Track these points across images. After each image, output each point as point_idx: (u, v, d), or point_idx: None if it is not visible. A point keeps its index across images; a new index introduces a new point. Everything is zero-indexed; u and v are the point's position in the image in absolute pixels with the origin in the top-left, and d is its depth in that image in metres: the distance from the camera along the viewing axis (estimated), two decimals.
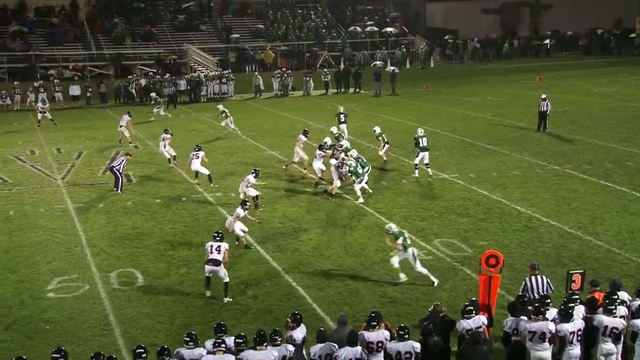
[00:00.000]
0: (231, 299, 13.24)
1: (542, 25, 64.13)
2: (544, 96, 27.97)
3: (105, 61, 48.82)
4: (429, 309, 10.55)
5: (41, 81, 41.63)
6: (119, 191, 20.43)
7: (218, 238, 13.75)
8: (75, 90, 40.55)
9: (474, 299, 10.76)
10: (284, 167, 23.01)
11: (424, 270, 13.65)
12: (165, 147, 23.63)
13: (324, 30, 56.08)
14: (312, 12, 59.16)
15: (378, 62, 48.10)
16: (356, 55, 52.96)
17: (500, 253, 11.16)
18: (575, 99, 35.52)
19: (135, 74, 44.70)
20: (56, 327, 12.29)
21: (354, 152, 20.10)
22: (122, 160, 20.78)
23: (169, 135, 23.86)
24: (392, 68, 44.68)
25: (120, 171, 20.52)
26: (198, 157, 21.15)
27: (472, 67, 53.78)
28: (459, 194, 19.63)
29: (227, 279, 13.36)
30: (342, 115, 26.81)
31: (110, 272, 14.55)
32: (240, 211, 15.83)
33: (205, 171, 21.14)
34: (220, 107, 30.23)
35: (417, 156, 21.47)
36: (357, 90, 43.43)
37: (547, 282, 11.40)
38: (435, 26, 64.01)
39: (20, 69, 46.81)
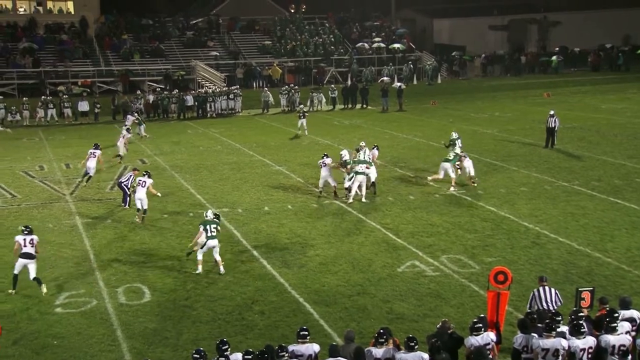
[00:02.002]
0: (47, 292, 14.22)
1: (550, 41, 64.23)
2: (552, 112, 27.97)
3: (113, 77, 49.14)
4: (437, 326, 10.53)
5: (50, 97, 41.91)
6: (126, 206, 20.50)
7: (27, 232, 14.69)
8: (84, 106, 40.70)
9: (482, 315, 10.73)
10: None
11: None
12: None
13: (331, 47, 56.33)
14: (319, 29, 59.46)
15: (385, 78, 48.19)
16: (363, 71, 53.14)
17: (508, 269, 11.13)
18: (583, 115, 35.51)
19: (143, 90, 44.98)
20: (64, 342, 12.30)
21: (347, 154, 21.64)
22: (130, 175, 20.83)
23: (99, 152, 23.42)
24: (399, 84, 44.73)
25: (128, 186, 20.58)
26: (145, 184, 19.45)
27: (480, 83, 53.86)
28: (466, 210, 19.60)
29: (35, 274, 14.33)
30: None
31: (118, 287, 14.58)
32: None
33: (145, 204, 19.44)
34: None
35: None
36: (364, 106, 43.51)
37: (556, 293, 11.40)
38: (442, 42, 64.23)
39: (30, 85, 47.14)
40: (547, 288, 11.44)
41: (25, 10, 58.06)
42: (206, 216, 15.81)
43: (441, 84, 53.96)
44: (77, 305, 13.76)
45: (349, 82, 48.04)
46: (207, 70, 49.93)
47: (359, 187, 20.61)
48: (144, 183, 19.52)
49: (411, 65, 54.77)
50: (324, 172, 20.98)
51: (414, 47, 59.24)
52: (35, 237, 14.75)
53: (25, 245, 14.48)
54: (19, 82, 47.09)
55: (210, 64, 51.31)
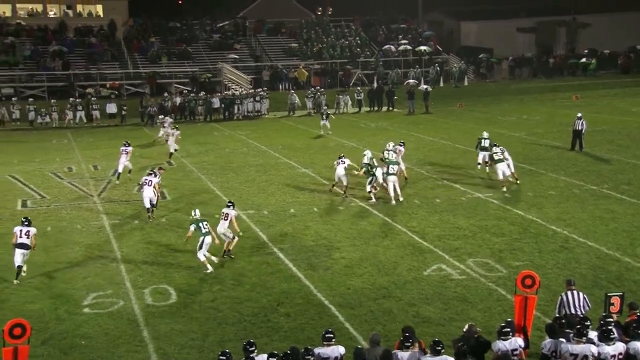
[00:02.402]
0: (18, 282, 15.08)
1: (579, 43, 63.53)
2: (579, 115, 27.67)
3: (141, 79, 49.57)
4: (463, 330, 10.44)
5: (79, 99, 42.41)
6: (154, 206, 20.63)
7: (26, 223, 15.60)
8: (111, 108, 41.21)
9: (509, 319, 10.62)
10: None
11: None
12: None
13: (357, 49, 56.28)
14: (345, 31, 59.45)
15: (411, 81, 48.06)
16: (389, 73, 53.02)
17: (536, 274, 11.01)
18: (612, 118, 35.07)
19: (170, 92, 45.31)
20: (91, 342, 12.41)
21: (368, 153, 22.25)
22: (151, 176, 20.96)
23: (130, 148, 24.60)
24: (425, 86, 44.57)
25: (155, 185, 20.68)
26: (151, 183, 19.95)
27: (507, 85, 53.45)
28: (493, 213, 19.45)
29: (20, 263, 15.21)
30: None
31: (145, 288, 14.68)
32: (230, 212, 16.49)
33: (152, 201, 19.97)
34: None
35: (477, 156, 24.07)
36: (390, 108, 43.40)
37: (584, 298, 11.28)
38: (469, 45, 63.84)
39: (59, 87, 47.72)
40: (575, 292, 11.32)
41: (55, 13, 58.83)
42: (195, 215, 16.05)
43: (468, 86, 53.63)
44: (104, 306, 13.88)
45: (375, 85, 47.97)
46: (233, 73, 50.17)
47: (394, 187, 20.77)
48: (150, 182, 19.96)
49: (438, 68, 54.51)
50: (340, 170, 21.50)
51: (440, 49, 58.96)
52: (32, 229, 15.61)
53: (21, 236, 15.42)
54: (48, 85, 47.69)
55: (237, 66, 51.55)
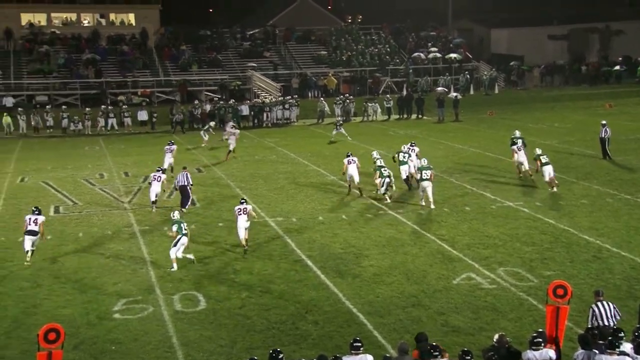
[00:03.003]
0: (29, 263, 16.66)
1: (612, 51, 62.74)
2: (603, 122, 27.40)
3: (172, 87, 50.02)
4: (494, 339, 10.31)
5: (111, 106, 42.92)
6: (184, 210, 21.03)
7: (37, 212, 17.30)
8: (143, 115, 41.65)
9: (541, 330, 10.47)
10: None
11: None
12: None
13: (387, 57, 56.21)
14: (375, 38, 59.41)
15: (440, 88, 47.85)
16: (419, 81, 52.84)
17: (568, 284, 10.85)
18: None
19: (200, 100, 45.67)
20: (121, 347, 12.50)
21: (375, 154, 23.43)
22: (185, 174, 21.45)
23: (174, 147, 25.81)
24: (455, 94, 44.36)
25: (189, 185, 21.32)
26: (160, 179, 21.53)
27: (538, 93, 52.96)
28: (524, 222, 19.24)
29: (29, 247, 16.78)
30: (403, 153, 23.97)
31: (174, 295, 14.76)
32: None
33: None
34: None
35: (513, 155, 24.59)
36: (420, 116, 43.26)
37: (614, 308, 11.12)
38: (500, 52, 63.42)
39: (92, 95, 48.33)
40: (605, 303, 11.13)
41: (89, 22, 59.74)
42: (173, 216, 16.95)
43: (498, 94, 53.25)
44: (134, 312, 13.98)
45: (405, 92, 47.84)
46: (263, 80, 50.38)
47: (425, 193, 20.95)
48: (159, 178, 21.55)
49: (468, 75, 54.23)
50: (351, 169, 22.44)
51: (470, 57, 58.67)
52: (41, 217, 17.29)
53: (30, 224, 16.99)
54: (81, 93, 48.33)
55: (267, 74, 51.76)
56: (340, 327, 13.00)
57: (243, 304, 14.23)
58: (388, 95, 46.02)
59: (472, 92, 53.24)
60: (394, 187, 22.23)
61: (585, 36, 64.14)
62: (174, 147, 27.02)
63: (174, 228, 16.52)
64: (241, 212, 17.62)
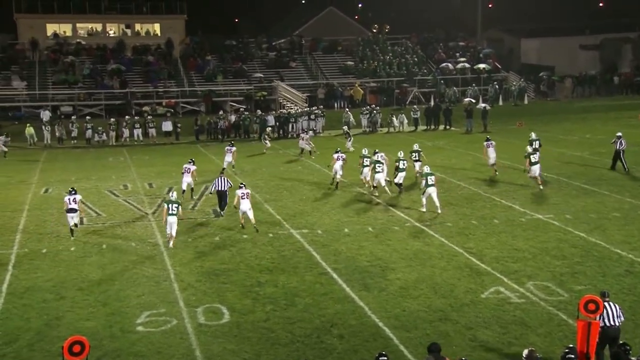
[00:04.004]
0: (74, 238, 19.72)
1: None
2: (619, 134, 27.23)
3: (197, 97, 50.40)
4: (523, 355, 10.22)
5: (136, 117, 43.37)
6: (223, 214, 22.12)
7: (73, 192, 20.39)
8: (167, 126, 41.94)
9: (571, 345, 10.37)
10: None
11: None
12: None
13: (414, 67, 56.17)
14: (402, 49, 59.41)
15: (467, 99, 47.67)
16: (447, 91, 52.71)
17: (600, 298, 10.74)
18: None
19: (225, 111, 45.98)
20: None
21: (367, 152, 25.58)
22: (222, 178, 22.48)
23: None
24: (484, 105, 44.18)
25: (226, 189, 22.36)
26: (190, 170, 24.34)
27: (569, 104, 52.54)
28: (554, 235, 19.08)
29: (73, 222, 20.09)
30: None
31: (197, 307, 14.83)
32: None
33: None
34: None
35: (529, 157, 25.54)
36: (448, 127, 43.12)
37: (619, 309, 11.37)
38: (530, 62, 63.01)
39: (117, 105, 48.85)
40: (611, 304, 11.33)
41: (114, 32, 60.48)
42: (171, 196, 19.84)
43: (528, 105, 52.91)
44: (157, 324, 14.06)
45: (432, 103, 47.74)
46: (288, 91, 50.59)
47: (430, 198, 21.73)
48: (188, 170, 24.41)
49: (497, 86, 53.99)
50: (337, 165, 25.70)
51: (500, 67, 58.40)
52: (78, 196, 20.39)
53: (70, 203, 20.05)
54: (106, 103, 48.87)
55: (293, 84, 51.97)
56: (365, 341, 12.97)
57: (267, 317, 14.26)
58: (415, 106, 46.00)
59: (501, 102, 52.97)
60: (382, 183, 24.40)
61: (617, 46, 63.51)
62: (234, 148, 29.04)
63: (165, 206, 19.27)
64: (244, 197, 20.13)
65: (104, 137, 40.89)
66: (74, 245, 19.45)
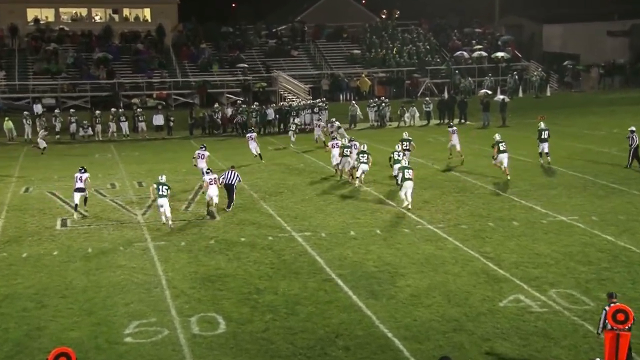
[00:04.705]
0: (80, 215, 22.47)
1: None
2: (632, 128, 27.30)
3: (190, 89, 50.43)
4: None
5: (122, 110, 43.30)
6: (229, 210, 22.85)
7: (82, 170, 22.77)
8: (158, 119, 41.84)
9: (598, 359, 10.36)
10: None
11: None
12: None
13: (426, 56, 56.16)
14: (413, 36, 59.39)
15: (483, 91, 47.64)
16: (462, 82, 52.67)
17: (629, 308, 10.73)
18: None
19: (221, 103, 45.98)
20: None
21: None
22: (231, 172, 23.29)
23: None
24: (502, 97, 44.15)
25: (235, 184, 23.21)
26: (204, 157, 26.75)
27: (595, 96, 52.47)
28: (578, 238, 19.07)
29: (77, 202, 22.59)
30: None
31: (191, 317, 14.84)
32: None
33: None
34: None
35: (538, 146, 28.69)
36: (463, 121, 43.10)
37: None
38: (552, 50, 62.96)
39: (104, 97, 48.89)
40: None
41: (100, 18, 60.63)
42: (160, 178, 21.53)
43: (550, 96, 52.87)
44: (147, 335, 14.07)
45: (446, 95, 47.72)
46: (289, 82, 50.60)
47: (406, 193, 22.43)
48: (203, 155, 26.89)
49: (516, 76, 53.96)
50: (335, 153, 27.49)
51: (519, 55, 58.37)
52: (85, 174, 22.64)
53: (77, 182, 22.42)
54: (92, 95, 48.91)
55: (295, 74, 51.99)
56: (373, 354, 12.97)
57: (267, 327, 14.27)
58: (427, 98, 45.98)
59: (520, 94, 52.94)
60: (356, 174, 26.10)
61: None
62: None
63: (154, 186, 21.30)
64: (212, 182, 22.13)
65: (90, 131, 40.85)
66: (57, 249, 19.48)
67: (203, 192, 23.00)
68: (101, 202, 25.15)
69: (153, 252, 19.22)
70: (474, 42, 59.39)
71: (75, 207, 22.72)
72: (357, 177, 26.05)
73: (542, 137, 28.54)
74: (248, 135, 32.36)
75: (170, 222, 21.15)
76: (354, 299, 15.51)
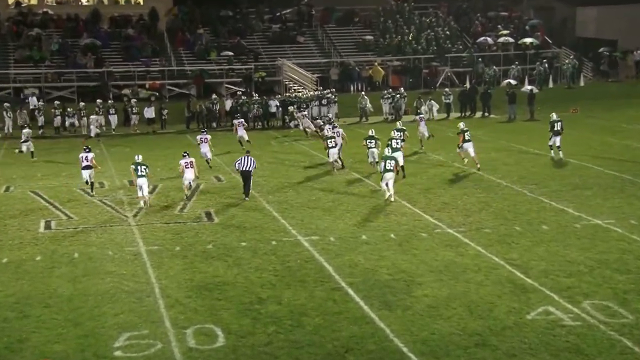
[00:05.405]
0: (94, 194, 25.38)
1: None
2: None
3: (186, 79, 50.45)
4: None
5: (112, 101, 43.30)
6: (247, 198, 24.32)
7: (87, 150, 26.04)
8: (150, 112, 41.84)
9: None
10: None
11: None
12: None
13: (446, 42, 56.09)
14: (432, 20, 59.33)
15: (512, 81, 47.54)
16: (485, 71, 52.57)
17: None
18: None
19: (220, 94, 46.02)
20: None
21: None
22: (247, 158, 24.65)
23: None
24: (530, 87, 44.06)
25: (251, 170, 24.64)
26: (207, 140, 29.85)
27: (634, 86, 52.29)
28: (615, 244, 19.03)
29: (87, 179, 25.78)
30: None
31: (187, 329, 14.86)
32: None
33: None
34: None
35: (550, 139, 29.15)
36: (486, 114, 43.03)
37: None
38: (587, 36, 62.69)
39: (91, 88, 48.90)
40: None
41: (88, 1, 60.56)
42: (137, 158, 23.95)
43: (584, 87, 52.75)
44: (139, 349, 14.09)
45: (468, 85, 47.65)
46: (295, 71, 50.58)
47: (387, 185, 23.55)
48: (205, 139, 29.80)
49: (546, 64, 53.84)
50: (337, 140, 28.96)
51: (550, 41, 58.21)
52: (90, 154, 25.75)
53: (83, 161, 25.60)
54: (78, 85, 48.94)
55: (301, 63, 51.94)
56: None
57: (270, 340, 14.28)
58: (447, 89, 45.93)
59: (550, 84, 52.82)
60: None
61: None
62: (209, 136, 30.65)
63: (132, 167, 23.72)
64: (188, 166, 24.31)
65: (76, 123, 40.66)
66: (40, 254, 19.53)
67: (180, 175, 25.15)
68: (89, 202, 25.22)
69: (145, 258, 19.26)
70: (499, 26, 59.22)
71: (87, 183, 25.84)
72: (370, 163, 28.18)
73: (555, 129, 29.05)
74: (200, 137, 31.26)
75: (147, 203, 23.71)
76: (365, 310, 15.51)
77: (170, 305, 16.05)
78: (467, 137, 27.48)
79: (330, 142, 28.45)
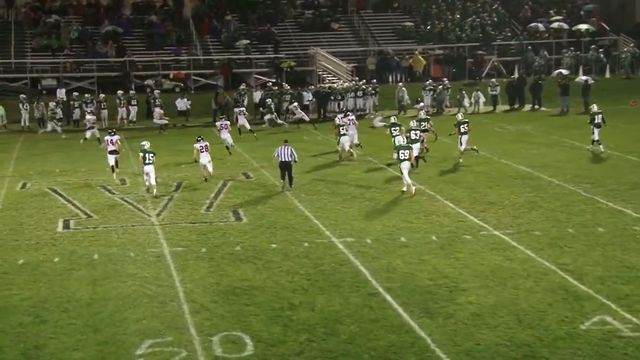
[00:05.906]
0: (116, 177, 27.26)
1: None
2: None
3: (213, 69, 50.62)
4: None
5: (134, 92, 43.52)
6: (292, 187, 25.51)
7: (112, 133, 28.27)
8: (182, 104, 41.87)
9: None
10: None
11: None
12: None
13: (493, 29, 55.76)
14: (477, 5, 59.01)
15: (564, 70, 47.15)
16: (536, 60, 52.19)
17: None
18: None
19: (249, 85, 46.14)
20: None
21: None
22: (285, 147, 25.48)
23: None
24: (585, 78, 43.67)
25: (294, 159, 25.55)
26: (227, 127, 31.92)
27: None
28: None
29: (113, 163, 27.83)
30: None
31: (213, 336, 14.89)
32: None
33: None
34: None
35: (592, 133, 29.81)
36: (537, 107, 42.73)
37: None
38: None
39: (112, 78, 49.23)
40: None
41: None
42: (143, 145, 25.66)
43: None
44: (162, 357, 14.14)
45: (516, 76, 47.34)
46: (329, 60, 50.54)
47: (403, 175, 24.48)
48: (225, 125, 32.00)
49: (602, 53, 53.35)
50: (350, 132, 30.32)
51: (607, 28, 57.67)
52: (116, 136, 27.97)
53: (109, 145, 27.74)
54: (99, 75, 49.29)
55: (335, 52, 51.89)
56: None
57: (301, 349, 14.28)
58: (494, 80, 45.64)
59: (607, 74, 52.38)
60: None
61: None
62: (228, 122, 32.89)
63: (140, 155, 25.28)
64: (203, 150, 26.37)
65: (91, 110, 40.58)
66: (58, 255, 19.69)
67: (195, 160, 27.16)
68: (109, 200, 25.40)
69: (169, 260, 19.34)
70: (551, 11, 58.86)
71: (112, 169, 27.85)
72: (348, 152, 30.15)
73: (595, 121, 29.76)
74: (220, 122, 33.16)
75: (155, 191, 25.13)
76: (404, 318, 15.47)
77: (195, 311, 16.10)
78: (462, 130, 28.49)
79: (342, 129, 29.74)
